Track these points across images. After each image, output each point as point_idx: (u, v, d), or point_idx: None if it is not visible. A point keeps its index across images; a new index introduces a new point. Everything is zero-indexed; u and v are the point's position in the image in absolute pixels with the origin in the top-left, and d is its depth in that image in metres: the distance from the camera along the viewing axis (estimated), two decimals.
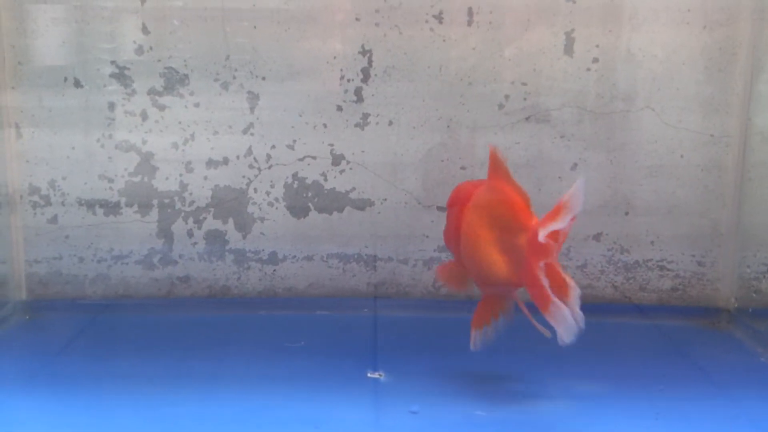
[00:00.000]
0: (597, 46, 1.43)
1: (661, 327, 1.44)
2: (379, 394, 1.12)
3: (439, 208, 1.49)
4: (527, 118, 1.46)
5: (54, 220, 1.48)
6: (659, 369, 1.25)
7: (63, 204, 1.47)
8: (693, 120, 1.46)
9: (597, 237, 1.50)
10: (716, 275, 1.50)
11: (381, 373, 1.18)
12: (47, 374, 1.19)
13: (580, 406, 1.12)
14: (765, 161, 1.42)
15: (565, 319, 1.00)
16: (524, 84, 1.44)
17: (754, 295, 1.45)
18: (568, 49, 1.43)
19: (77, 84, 1.43)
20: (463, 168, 1.48)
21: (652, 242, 1.50)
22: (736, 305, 1.47)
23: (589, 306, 1.51)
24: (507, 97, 1.45)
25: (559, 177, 1.47)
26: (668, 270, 1.51)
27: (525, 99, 1.45)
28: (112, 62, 1.42)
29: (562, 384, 1.18)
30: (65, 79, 1.42)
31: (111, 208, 1.48)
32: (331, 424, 1.03)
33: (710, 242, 1.50)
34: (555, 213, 1.00)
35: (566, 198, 1.00)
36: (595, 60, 1.44)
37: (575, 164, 1.47)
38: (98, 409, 1.09)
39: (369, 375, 1.18)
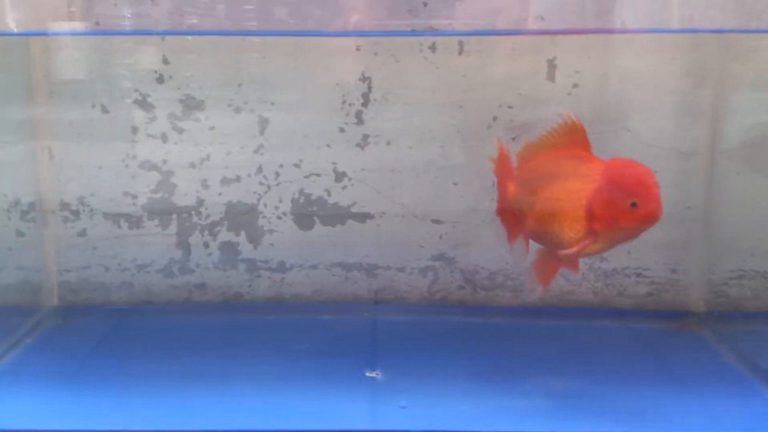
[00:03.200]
0: (577, 72, 1.56)
1: (637, 329, 1.56)
2: (376, 391, 1.24)
3: (433, 221, 1.62)
4: (513, 138, 1.58)
5: (83, 233, 1.61)
6: (633, 368, 1.37)
7: (91, 218, 1.60)
8: (665, 139, 1.58)
9: None
10: (688, 281, 1.62)
11: (378, 372, 1.31)
12: (82, 372, 1.32)
13: (558, 402, 1.22)
14: (729, 177, 1.54)
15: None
16: (510, 107, 1.57)
17: (721, 299, 1.58)
18: (551, 75, 1.56)
19: (104, 110, 1.56)
20: (455, 183, 1.61)
21: (629, 251, 1.62)
22: (705, 309, 1.59)
23: (572, 310, 1.66)
24: (495, 118, 1.58)
25: None
26: (644, 277, 1.63)
27: (511, 120, 1.58)
28: (135, 90, 1.56)
29: (542, 382, 1.29)
30: (93, 105, 1.56)
31: (134, 221, 1.61)
32: (331, 417, 1.15)
33: (682, 251, 1.61)
34: None
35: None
36: (576, 85, 1.56)
37: None
38: (127, 403, 1.21)
39: (367, 374, 1.30)
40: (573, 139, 1.16)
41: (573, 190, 1.12)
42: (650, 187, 1.06)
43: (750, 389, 1.29)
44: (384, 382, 1.28)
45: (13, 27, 1.42)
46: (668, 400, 1.24)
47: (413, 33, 1.53)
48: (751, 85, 1.54)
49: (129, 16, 1.50)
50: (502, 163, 1.27)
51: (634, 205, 1.06)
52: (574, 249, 1.11)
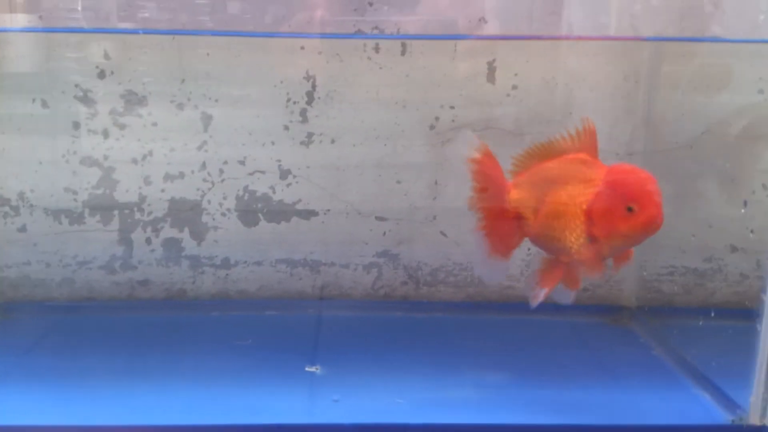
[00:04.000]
0: (515, 74, 1.60)
1: (572, 323, 1.60)
2: (314, 385, 1.27)
3: (377, 218, 1.65)
4: (444, 142, 1.62)
5: (23, 228, 1.59)
6: (564, 360, 1.41)
7: (31, 214, 1.59)
8: (600, 140, 1.62)
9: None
10: (620, 277, 1.68)
11: (318, 366, 1.33)
12: (21, 369, 1.31)
13: (489, 393, 1.27)
14: (662, 176, 1.60)
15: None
16: (452, 107, 1.61)
17: (652, 295, 1.64)
18: (491, 77, 1.60)
19: (44, 105, 1.55)
20: (398, 182, 1.63)
21: None
22: (636, 304, 1.65)
23: (511, 305, 1.71)
24: (437, 118, 1.61)
25: None
26: None
27: (453, 120, 1.61)
28: (77, 85, 1.55)
29: (476, 375, 1.33)
30: (33, 100, 1.54)
31: (75, 217, 1.60)
32: (269, 411, 1.17)
33: None
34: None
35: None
36: (515, 87, 1.61)
37: None
38: (66, 401, 1.21)
39: (307, 369, 1.33)
40: (584, 144, 1.16)
41: (575, 194, 1.12)
42: (649, 193, 1.06)
43: (676, 382, 1.35)
44: (322, 376, 1.30)
45: None
46: (597, 391, 1.29)
47: (358, 36, 1.55)
48: (684, 89, 1.61)
49: (76, 9, 1.50)
50: (491, 166, 1.19)
51: (630, 210, 1.06)
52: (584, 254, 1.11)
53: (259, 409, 1.19)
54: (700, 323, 1.53)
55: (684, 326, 1.60)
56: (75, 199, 1.59)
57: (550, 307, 1.67)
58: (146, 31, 1.53)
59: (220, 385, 1.27)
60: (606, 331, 1.59)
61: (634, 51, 1.61)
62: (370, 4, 1.54)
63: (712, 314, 1.52)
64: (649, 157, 1.62)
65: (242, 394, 1.24)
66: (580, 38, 1.62)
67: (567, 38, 1.60)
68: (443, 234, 1.66)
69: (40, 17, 1.52)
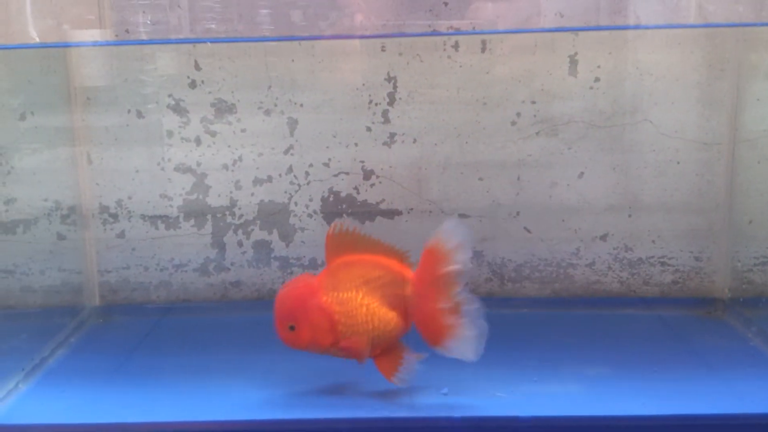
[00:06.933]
0: (598, 66, 1.59)
1: (663, 317, 1.59)
2: (414, 379, 1.28)
3: (460, 215, 1.66)
4: (537, 133, 1.62)
5: (122, 234, 1.67)
6: (660, 354, 1.40)
7: (129, 220, 1.66)
8: (687, 130, 1.61)
9: (603, 237, 1.66)
10: (712, 269, 1.65)
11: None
12: (127, 369, 1.37)
13: (589, 386, 1.26)
14: (751, 166, 1.57)
15: (469, 340, 1.15)
16: (534, 102, 1.61)
17: (745, 285, 1.61)
18: (572, 71, 1.60)
19: (139, 115, 1.62)
20: (480, 179, 1.64)
21: (653, 241, 1.66)
22: (729, 295, 1.62)
23: (598, 299, 1.70)
24: (518, 114, 1.62)
25: (567, 184, 1.64)
26: (669, 265, 1.67)
27: (535, 116, 1.62)
28: (169, 95, 1.61)
29: (574, 369, 1.33)
30: (128, 111, 1.61)
31: (171, 222, 1.66)
32: (372, 406, 1.19)
33: (706, 239, 1.65)
34: (428, 259, 1.17)
35: (440, 243, 1.16)
36: (597, 79, 1.60)
37: (582, 172, 1.63)
38: (171, 397, 1.26)
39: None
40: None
41: None
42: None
43: None
44: (419, 371, 1.32)
45: (50, 38, 1.48)
46: (696, 382, 1.28)
47: (433, 33, 1.57)
48: None
49: (157, 23, 1.56)
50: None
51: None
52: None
53: (360, 404, 1.21)
54: None
55: None
56: (170, 205, 1.65)
57: (638, 301, 1.67)
58: (234, 40, 1.58)
59: (317, 382, 1.29)
60: (700, 323, 1.56)
61: (718, 39, 1.58)
62: (446, 4, 1.56)
63: None
64: (735, 146, 1.59)
65: (339, 390, 1.27)
66: (662, 27, 1.60)
67: (649, 27, 1.58)
68: (527, 230, 1.66)
69: (127, 31, 1.58)
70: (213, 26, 1.54)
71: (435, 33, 1.58)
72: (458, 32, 1.58)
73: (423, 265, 1.19)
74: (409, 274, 1.21)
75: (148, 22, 1.55)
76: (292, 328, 1.20)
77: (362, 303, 1.19)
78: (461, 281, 1.16)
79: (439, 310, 1.16)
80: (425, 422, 1.14)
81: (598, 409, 1.17)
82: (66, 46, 1.57)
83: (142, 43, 1.60)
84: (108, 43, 1.58)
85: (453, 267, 1.15)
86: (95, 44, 1.58)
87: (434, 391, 1.25)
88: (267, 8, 1.49)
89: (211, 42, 1.55)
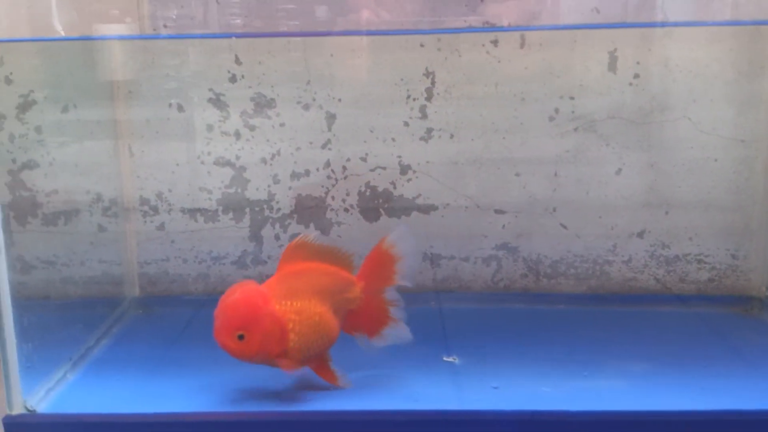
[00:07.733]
0: (637, 63, 1.59)
1: (700, 314, 1.59)
2: (456, 374, 1.30)
3: (496, 211, 1.67)
4: (575, 129, 1.62)
5: (162, 227, 1.69)
6: (700, 351, 1.40)
7: (169, 213, 1.68)
8: (725, 127, 1.60)
9: (640, 234, 1.66)
10: (749, 267, 1.65)
11: (455, 357, 1.36)
12: (170, 359, 1.39)
13: (634, 382, 1.26)
14: None
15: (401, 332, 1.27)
16: (572, 98, 1.61)
17: None
18: (612, 67, 1.60)
19: (180, 109, 1.63)
20: (517, 175, 1.65)
21: (690, 238, 1.66)
22: (766, 293, 1.61)
23: (634, 296, 1.70)
24: (557, 110, 1.62)
25: (605, 181, 1.64)
26: (705, 263, 1.67)
27: (573, 111, 1.62)
28: (210, 89, 1.63)
29: (617, 365, 1.33)
30: (169, 105, 1.63)
31: (210, 216, 1.68)
32: (423, 399, 1.21)
33: (743, 237, 1.64)
34: (371, 262, 1.27)
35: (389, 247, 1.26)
36: (636, 75, 1.60)
37: (619, 169, 1.63)
38: (216, 386, 1.28)
39: (444, 359, 1.36)
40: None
41: None
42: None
43: None
44: (461, 366, 1.33)
45: (93, 31, 1.50)
46: (740, 378, 1.28)
47: (470, 30, 1.57)
48: None
49: (199, 18, 1.58)
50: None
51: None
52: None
53: (415, 397, 1.22)
54: None
55: None
56: (209, 198, 1.67)
57: (673, 298, 1.67)
58: (273, 35, 1.59)
59: (358, 371, 1.30)
60: (737, 320, 1.56)
61: (757, 36, 1.58)
62: (482, 0, 1.56)
63: None
64: None
65: (385, 382, 1.28)
66: (699, 24, 1.59)
67: (688, 24, 1.58)
68: (563, 226, 1.67)
69: (165, 26, 1.60)
70: (251, 21, 1.56)
71: (470, 29, 1.58)
72: (494, 29, 1.59)
73: (370, 265, 1.28)
74: (354, 278, 1.28)
75: (190, 17, 1.58)
76: (241, 337, 1.17)
77: (315, 311, 1.21)
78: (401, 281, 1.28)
79: (382, 306, 1.27)
80: (475, 415, 1.15)
81: (647, 404, 1.18)
82: (107, 38, 1.59)
83: (185, 37, 1.63)
84: (149, 37, 1.61)
85: (402, 277, 1.27)
86: (136, 37, 1.60)
87: (485, 385, 1.26)
88: (305, 4, 1.51)
89: (249, 37, 1.57)
